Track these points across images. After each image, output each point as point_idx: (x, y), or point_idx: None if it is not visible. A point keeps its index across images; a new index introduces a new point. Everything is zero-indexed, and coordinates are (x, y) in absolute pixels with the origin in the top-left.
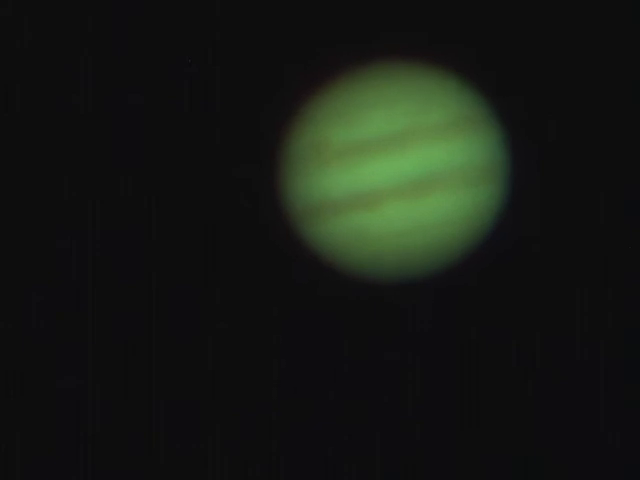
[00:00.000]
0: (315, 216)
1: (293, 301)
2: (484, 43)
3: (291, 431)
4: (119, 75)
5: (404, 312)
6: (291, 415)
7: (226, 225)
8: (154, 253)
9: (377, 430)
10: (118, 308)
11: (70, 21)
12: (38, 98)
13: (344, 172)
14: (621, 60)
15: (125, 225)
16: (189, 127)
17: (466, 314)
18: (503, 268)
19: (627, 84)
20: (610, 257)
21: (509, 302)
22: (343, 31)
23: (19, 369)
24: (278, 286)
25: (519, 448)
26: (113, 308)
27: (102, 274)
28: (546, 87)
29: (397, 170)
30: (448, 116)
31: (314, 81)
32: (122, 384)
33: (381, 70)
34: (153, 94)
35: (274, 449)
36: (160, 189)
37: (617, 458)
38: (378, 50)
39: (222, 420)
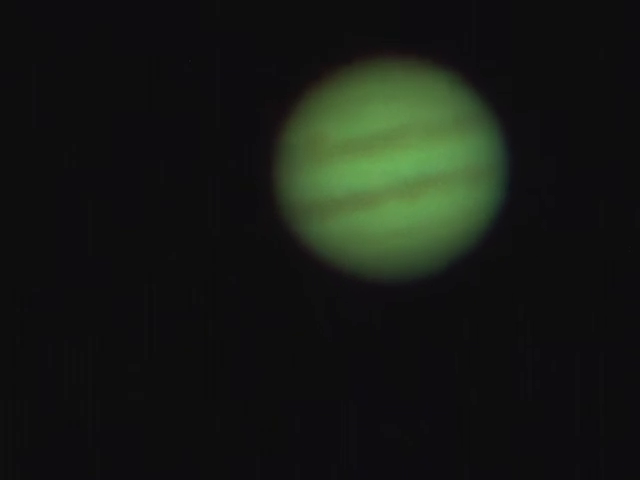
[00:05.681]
0: (311, 215)
1: (289, 301)
2: (481, 42)
3: (288, 434)
4: (119, 75)
5: (402, 312)
6: (288, 418)
7: (223, 225)
8: (154, 254)
9: (374, 432)
10: (118, 308)
11: (70, 21)
12: (38, 98)
13: (340, 171)
14: (621, 60)
15: (125, 225)
16: (189, 127)
17: (462, 314)
18: (500, 269)
19: (627, 85)
20: (610, 259)
21: (506, 303)
22: (340, 28)
23: (19, 369)
24: (274, 286)
25: (515, 452)
26: (113, 308)
27: (102, 274)
28: (544, 88)
29: (394, 169)
30: (446, 115)
31: (310, 78)
32: (122, 384)
33: (379, 67)
34: (153, 94)
35: (271, 451)
36: (160, 189)
37: (615, 461)
38: (375, 47)
39: (220, 421)
